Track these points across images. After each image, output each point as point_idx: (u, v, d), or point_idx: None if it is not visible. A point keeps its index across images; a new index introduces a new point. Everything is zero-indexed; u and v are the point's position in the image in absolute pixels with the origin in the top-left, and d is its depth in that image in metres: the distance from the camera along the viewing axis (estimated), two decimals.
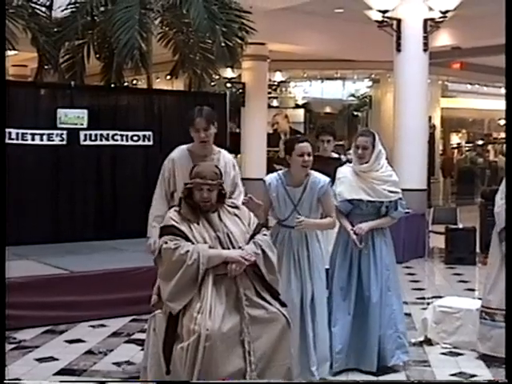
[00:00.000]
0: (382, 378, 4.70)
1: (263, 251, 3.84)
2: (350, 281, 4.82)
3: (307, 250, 4.56)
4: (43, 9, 8.80)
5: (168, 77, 10.57)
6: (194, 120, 4.47)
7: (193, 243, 3.76)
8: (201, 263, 3.68)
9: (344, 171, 4.94)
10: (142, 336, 4.83)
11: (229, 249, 3.82)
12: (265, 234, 4.01)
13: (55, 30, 8.68)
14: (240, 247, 3.83)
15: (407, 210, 9.66)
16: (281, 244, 4.55)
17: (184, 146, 4.64)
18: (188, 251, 3.69)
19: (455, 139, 25.46)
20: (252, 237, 3.91)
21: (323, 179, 4.59)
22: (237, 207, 4.03)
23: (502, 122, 21.56)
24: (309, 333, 4.47)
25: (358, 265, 4.83)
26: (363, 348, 4.78)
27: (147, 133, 8.66)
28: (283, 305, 3.87)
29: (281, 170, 4.74)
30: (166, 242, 3.76)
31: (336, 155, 5.94)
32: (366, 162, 4.83)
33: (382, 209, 4.85)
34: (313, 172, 4.60)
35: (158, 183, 4.64)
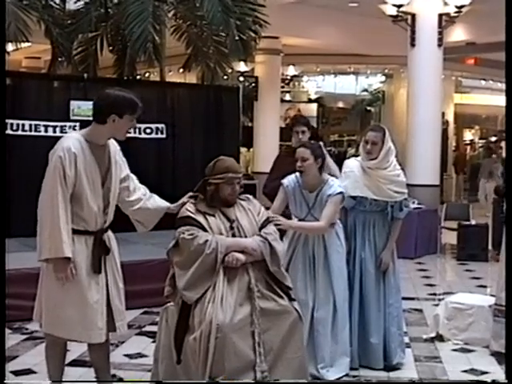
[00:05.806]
0: (392, 374, 4.70)
1: (269, 244, 3.82)
2: (353, 281, 4.73)
3: (324, 248, 4.53)
4: (57, 1, 8.83)
5: (181, 70, 10.57)
6: None
7: (208, 232, 3.76)
8: (219, 252, 3.68)
9: (351, 165, 4.80)
10: (154, 328, 4.84)
11: None
12: (276, 224, 3.99)
13: (69, 22, 8.72)
14: None
15: (419, 206, 9.70)
16: (297, 240, 4.56)
17: None
18: (207, 241, 3.69)
19: (468, 135, 25.34)
20: (260, 229, 3.90)
21: (335, 188, 4.48)
22: (248, 199, 4.02)
23: None
24: (320, 332, 4.44)
25: (360, 265, 4.76)
26: (369, 347, 4.74)
27: (160, 125, 8.67)
28: (292, 299, 3.85)
29: None
30: (183, 233, 3.75)
31: None
32: (375, 158, 4.69)
33: (387, 208, 4.74)
34: (331, 180, 4.55)
35: None
